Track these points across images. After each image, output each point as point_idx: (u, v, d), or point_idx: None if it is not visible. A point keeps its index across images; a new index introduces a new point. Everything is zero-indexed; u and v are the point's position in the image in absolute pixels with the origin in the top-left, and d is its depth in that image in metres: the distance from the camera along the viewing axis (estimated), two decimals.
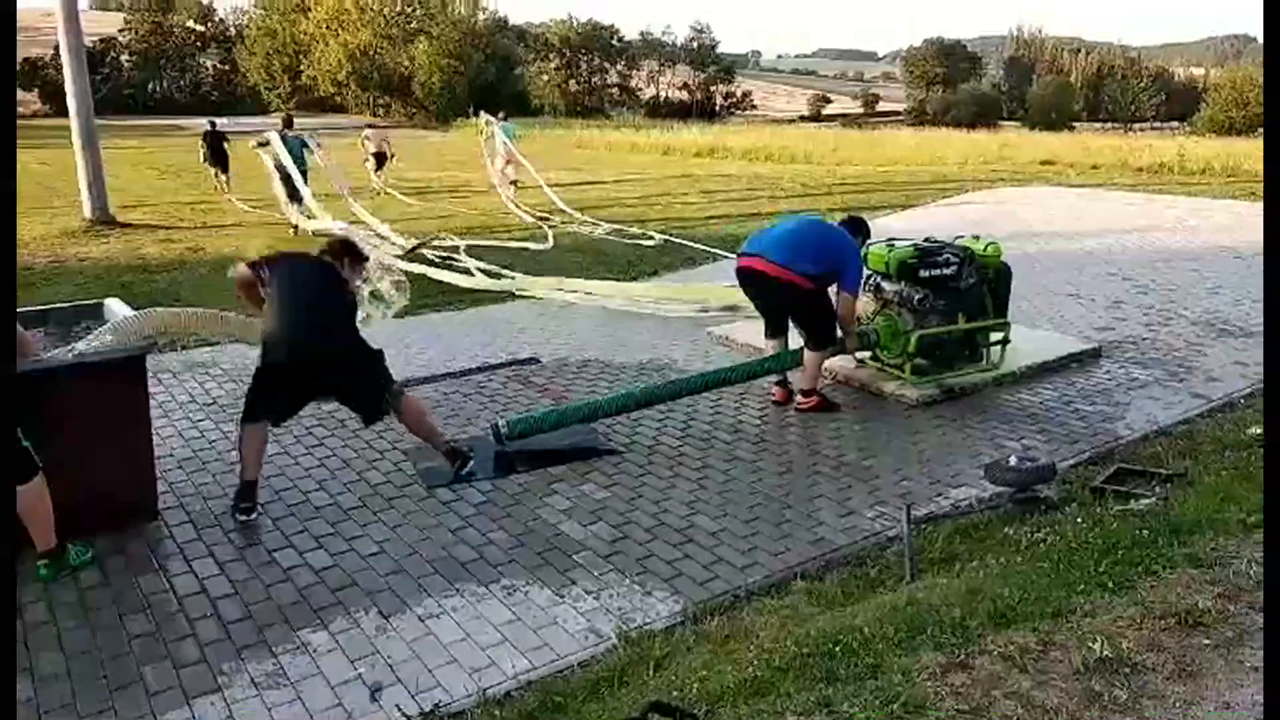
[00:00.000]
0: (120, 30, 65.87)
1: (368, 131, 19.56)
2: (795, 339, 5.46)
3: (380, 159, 17.91)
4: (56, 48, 55.48)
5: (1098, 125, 68.35)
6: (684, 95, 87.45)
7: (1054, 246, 10.78)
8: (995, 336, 5.84)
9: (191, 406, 5.45)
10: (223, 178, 16.97)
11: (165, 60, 63.54)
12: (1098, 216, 13.44)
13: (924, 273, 5.46)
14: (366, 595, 3.42)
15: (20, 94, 59.18)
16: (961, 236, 5.94)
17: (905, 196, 16.22)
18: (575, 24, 77.89)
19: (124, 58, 63.12)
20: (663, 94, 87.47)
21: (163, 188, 18.91)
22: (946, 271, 5.51)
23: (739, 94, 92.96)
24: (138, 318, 3.96)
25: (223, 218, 14.22)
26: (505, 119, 17.05)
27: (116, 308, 4.35)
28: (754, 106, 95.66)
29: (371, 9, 56.66)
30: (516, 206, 14.53)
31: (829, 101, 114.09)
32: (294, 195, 12.33)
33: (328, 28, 56.23)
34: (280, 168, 12.37)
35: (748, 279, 5.36)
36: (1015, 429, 5.08)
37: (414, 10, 58.73)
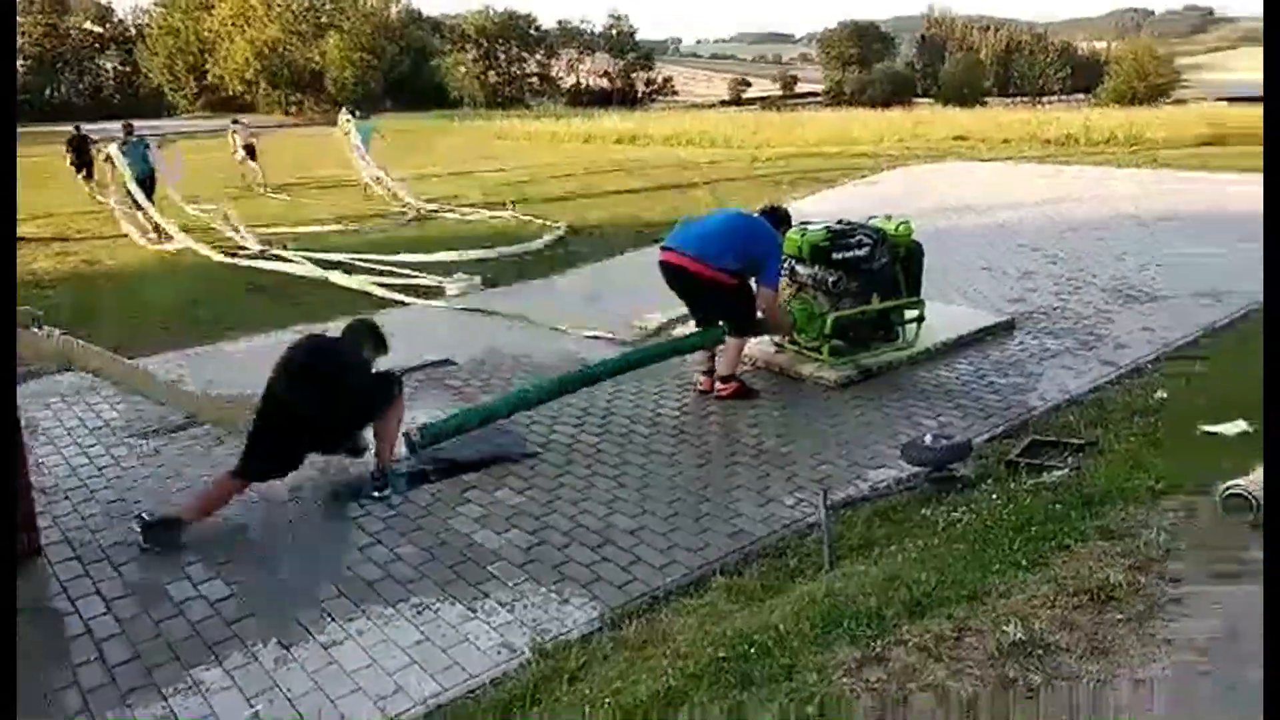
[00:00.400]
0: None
1: (234, 127, 19.53)
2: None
3: (250, 151, 18.38)
4: None
5: (1008, 100, 70.10)
6: (605, 83, 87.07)
7: (966, 221, 10.94)
8: (910, 315, 5.86)
9: (80, 431, 5.13)
10: (91, 184, 16.08)
11: (62, 64, 60.74)
12: (1008, 190, 13.72)
13: (837, 255, 5.44)
14: (266, 625, 3.23)
15: None
16: (874, 217, 5.94)
17: (821, 178, 16.33)
18: (491, 14, 76.83)
19: (18, 62, 60.12)
20: (583, 82, 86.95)
21: (56, 198, 18.01)
22: (859, 253, 5.49)
23: (660, 80, 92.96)
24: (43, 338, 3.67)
25: (118, 227, 13.57)
26: (365, 118, 18.37)
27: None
28: (675, 92, 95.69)
29: (278, 4, 54.94)
30: (395, 197, 14.95)
31: (748, 85, 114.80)
32: (138, 203, 12.52)
33: (233, 24, 54.33)
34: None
35: (669, 272, 5.26)
36: (932, 406, 5.10)
37: (323, 4, 57.13)
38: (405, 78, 58.76)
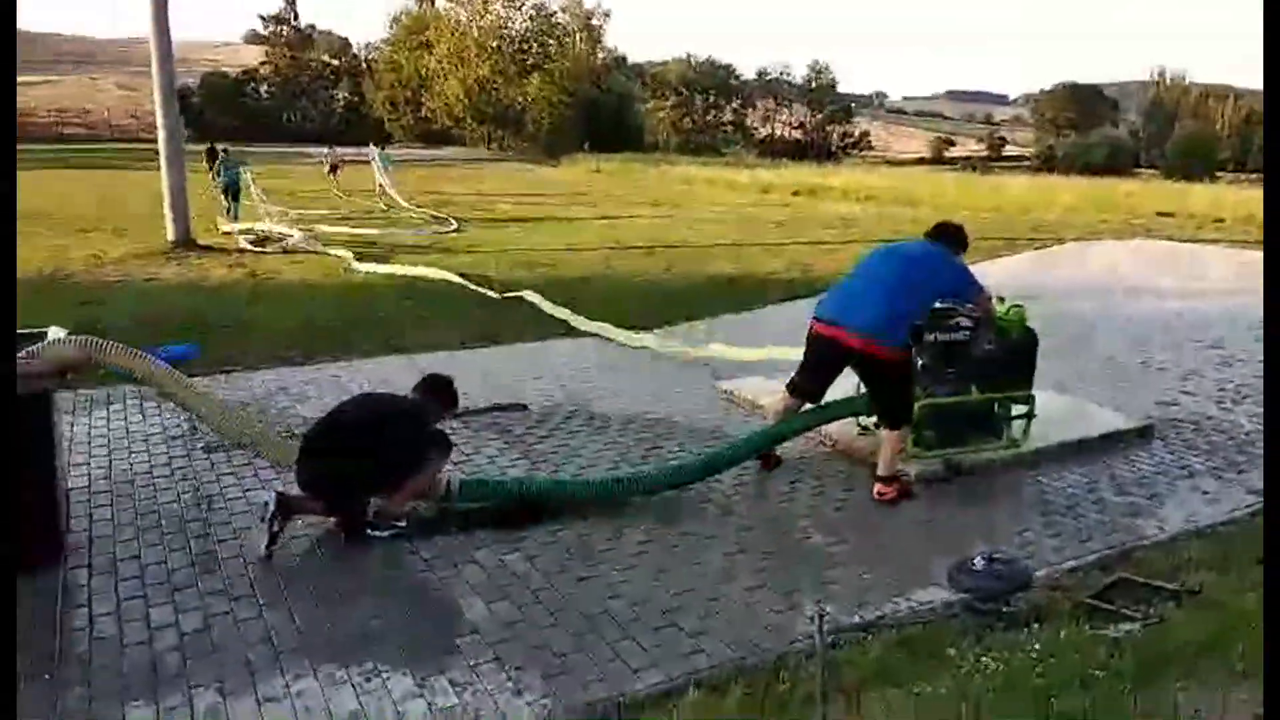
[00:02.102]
0: (261, 63, 70.15)
1: (325, 151, 27.89)
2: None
3: (334, 169, 25.83)
4: (202, 78, 59.33)
5: (1244, 177, 64.02)
6: (799, 134, 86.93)
7: (1138, 307, 9.86)
8: (1018, 410, 5.21)
9: (114, 437, 5.35)
10: (229, 204, 17.80)
11: (301, 92, 67.17)
12: (1202, 275, 12.31)
13: (930, 336, 4.90)
14: (220, 667, 3.13)
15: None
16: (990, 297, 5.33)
17: (993, 245, 15.31)
18: (693, 62, 78.62)
19: (263, 88, 67.14)
20: (778, 133, 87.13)
21: (257, 211, 19.64)
22: (957, 336, 4.93)
23: (856, 134, 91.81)
24: (62, 345, 3.84)
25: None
26: (383, 149, 25.57)
27: (53, 334, 4.26)
28: (871, 147, 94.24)
29: (490, 46, 58.44)
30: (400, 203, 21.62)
31: (952, 144, 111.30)
32: (228, 209, 17.44)
33: (449, 63, 58.27)
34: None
35: (822, 345, 4.70)
36: (1021, 519, 4.45)
37: (531, 47, 60.28)
38: (604, 120, 60.82)
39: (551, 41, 60.24)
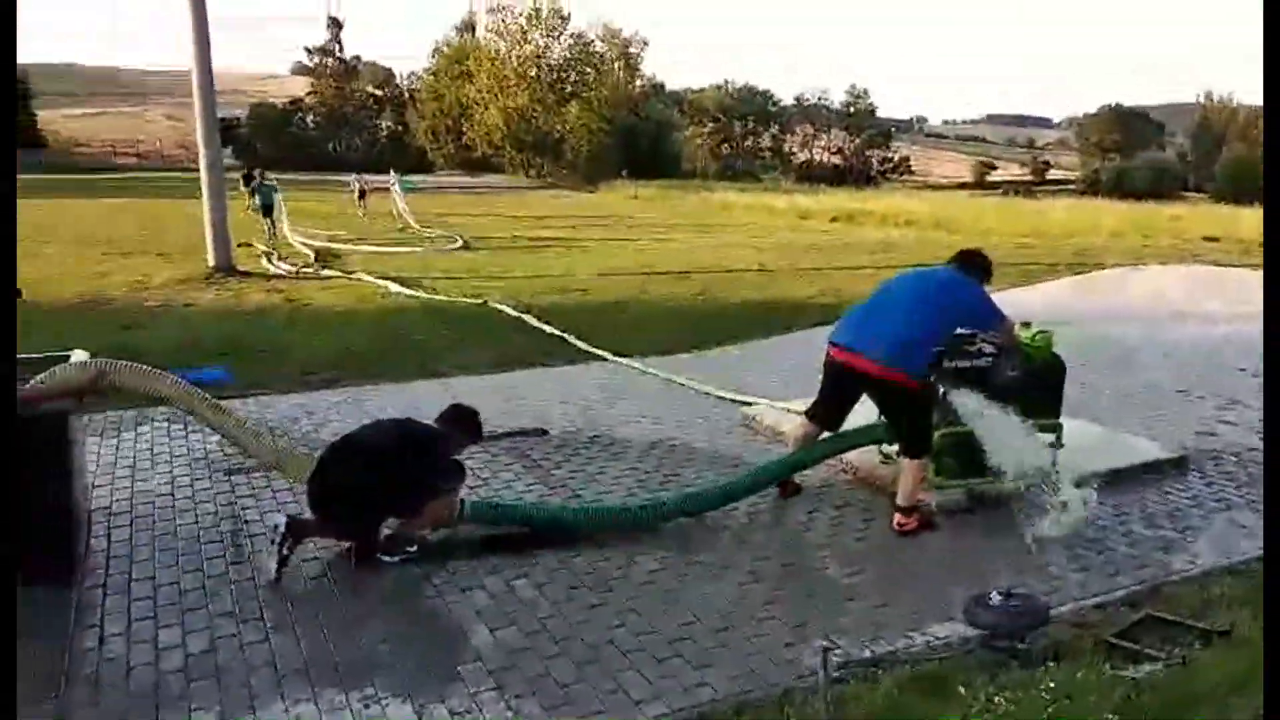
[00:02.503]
0: (307, 93, 71.84)
1: (354, 178, 29.57)
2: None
3: (362, 194, 27.54)
4: (250, 109, 60.80)
5: None
6: (838, 160, 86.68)
7: (1178, 333, 9.62)
8: (1044, 439, 5.06)
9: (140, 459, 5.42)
10: (265, 222, 19.42)
11: (345, 121, 68.61)
12: (1246, 300, 11.95)
13: (950, 363, 4.79)
14: (222, 690, 3.13)
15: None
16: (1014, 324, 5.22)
17: (1032, 270, 15.07)
18: (730, 89, 79.00)
19: (309, 118, 68.72)
20: (816, 158, 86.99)
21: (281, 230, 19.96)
22: (979, 363, 4.82)
23: (895, 159, 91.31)
24: (73, 368, 3.90)
25: (340, 264, 14.78)
26: (402, 175, 29.40)
27: (76, 357, 4.33)
28: (911, 172, 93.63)
29: (529, 75, 59.26)
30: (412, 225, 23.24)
31: (994, 168, 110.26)
32: (267, 229, 19.03)
33: (489, 93, 59.15)
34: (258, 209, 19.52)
35: (838, 372, 4.63)
36: (1046, 552, 4.32)
37: (569, 76, 61.00)
38: (642, 147, 61.25)
39: (589, 70, 60.92)
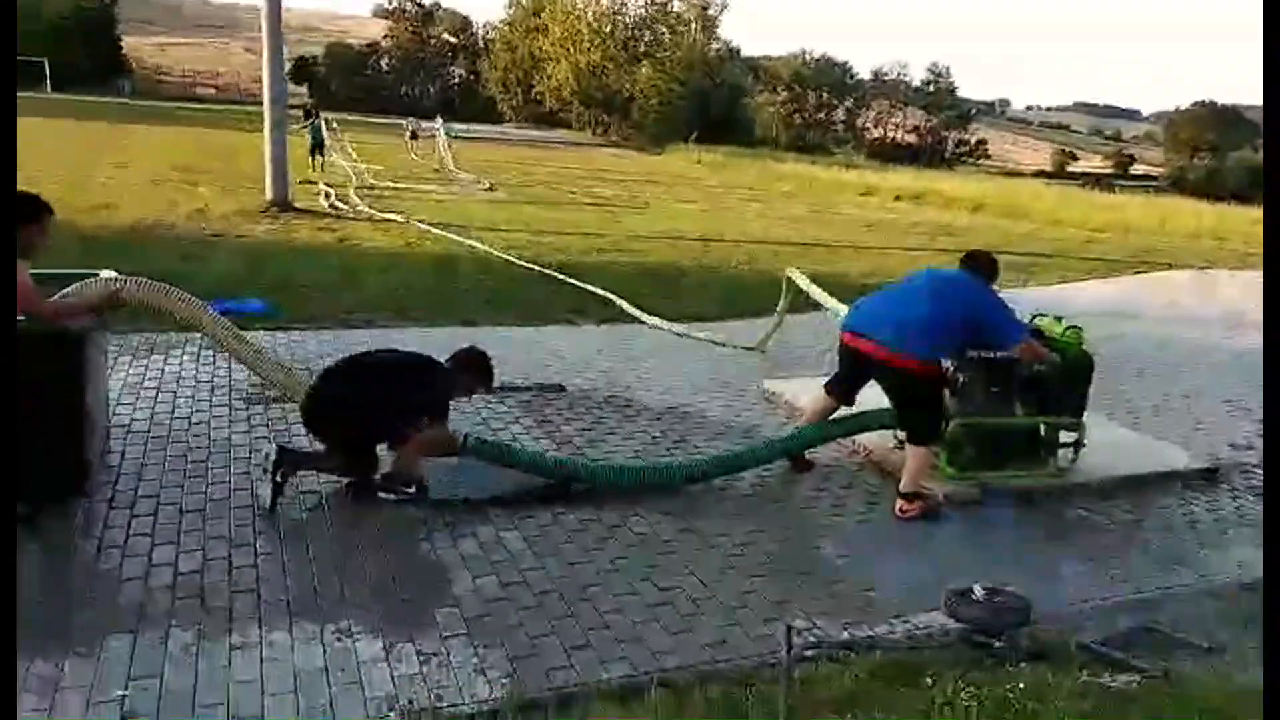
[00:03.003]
0: (384, 36, 72.24)
1: (407, 120, 33.05)
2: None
3: (414, 136, 30.67)
4: (327, 48, 61.08)
5: None
6: (913, 139, 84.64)
7: (1234, 342, 9.23)
8: (1066, 436, 4.93)
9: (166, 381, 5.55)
10: (318, 159, 20.56)
11: (420, 67, 68.90)
12: None
13: (974, 352, 4.66)
14: (202, 610, 3.21)
15: (291, 87, 66.15)
16: (1041, 315, 5.07)
17: (1093, 266, 14.59)
18: (807, 58, 77.35)
19: (384, 62, 69.23)
20: (890, 135, 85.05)
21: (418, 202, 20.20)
22: (1002, 353, 4.68)
23: (973, 141, 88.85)
24: (94, 285, 3.99)
25: (391, 203, 14.91)
26: (447, 121, 31.01)
27: (105, 276, 4.43)
28: (988, 156, 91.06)
29: (603, 32, 58.70)
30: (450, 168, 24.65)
31: (1075, 158, 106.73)
32: (314, 155, 20.35)
33: (561, 47, 58.78)
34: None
35: (851, 358, 4.59)
36: (1052, 552, 4.21)
37: (643, 35, 60.29)
38: (714, 112, 60.40)
39: (664, 30, 60.10)
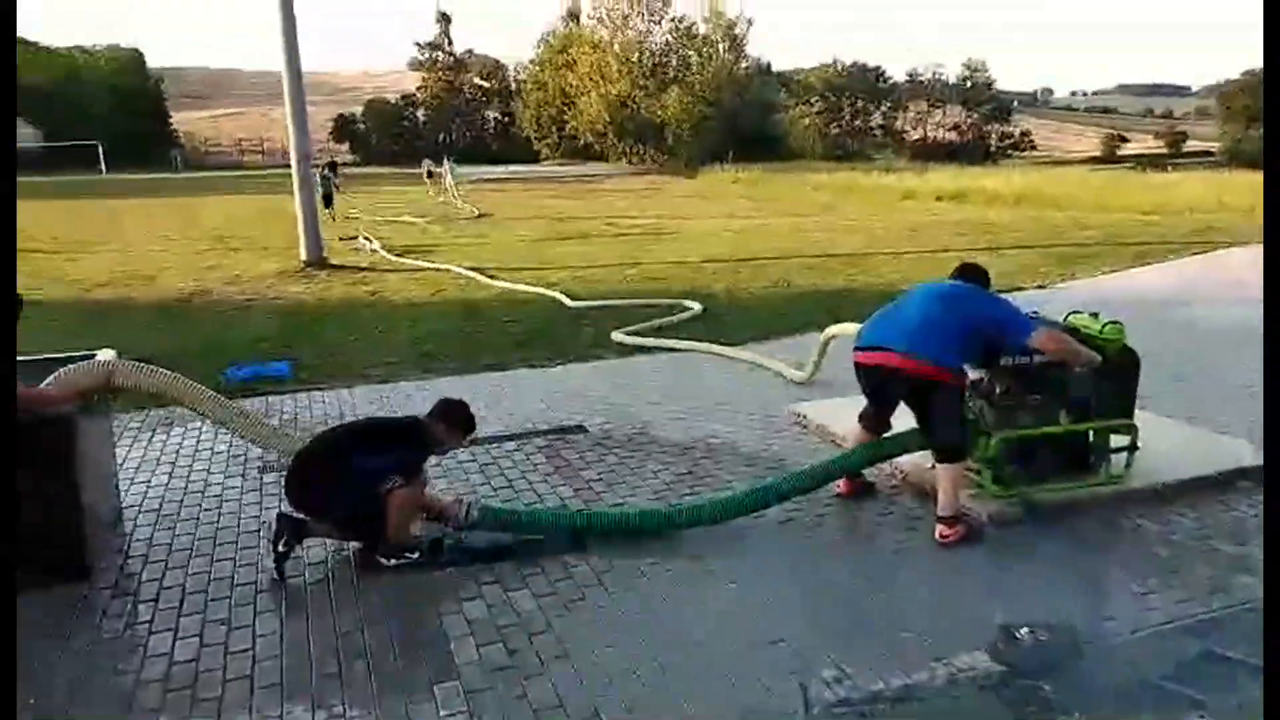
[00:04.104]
0: (418, 88, 73.84)
1: (425, 162, 36.60)
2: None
3: (429, 174, 34.15)
4: (366, 104, 62.74)
5: None
6: (954, 136, 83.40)
7: None
8: (1117, 441, 4.57)
9: (184, 456, 5.49)
10: (328, 212, 21.33)
11: (455, 114, 70.20)
12: None
13: (1007, 359, 4.36)
14: (193, 702, 3.06)
15: (332, 144, 68.04)
16: (1077, 312, 4.73)
17: (1136, 252, 13.97)
18: (839, 67, 76.90)
19: (419, 112, 70.71)
20: (931, 135, 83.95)
21: (399, 229, 20.42)
22: (1040, 358, 4.36)
23: (1016, 134, 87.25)
24: (79, 370, 3.93)
25: (427, 256, 14.99)
26: (454, 161, 34.99)
27: (102, 358, 4.37)
28: (1034, 147, 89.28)
29: (631, 61, 59.11)
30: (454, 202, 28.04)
31: (1125, 141, 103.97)
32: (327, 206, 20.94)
33: (590, 80, 59.32)
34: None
35: (871, 376, 4.36)
36: (1107, 572, 3.87)
37: (669, 61, 60.57)
38: (747, 129, 60.31)
39: (691, 54, 60.36)
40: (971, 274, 4.54)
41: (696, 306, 9.92)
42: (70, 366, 3.92)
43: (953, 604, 3.63)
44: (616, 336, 8.43)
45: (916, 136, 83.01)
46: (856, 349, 4.35)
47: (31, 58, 62.89)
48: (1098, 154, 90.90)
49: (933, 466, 4.68)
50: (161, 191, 36.14)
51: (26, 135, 54.32)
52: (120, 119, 58.94)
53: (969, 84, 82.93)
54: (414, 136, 67.07)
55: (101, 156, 52.73)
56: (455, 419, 4.12)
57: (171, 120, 69.06)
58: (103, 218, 24.58)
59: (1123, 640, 3.24)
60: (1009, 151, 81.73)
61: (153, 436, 5.84)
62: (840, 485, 4.67)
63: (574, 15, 66.17)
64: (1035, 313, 4.58)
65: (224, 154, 71.57)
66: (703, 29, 61.52)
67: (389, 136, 67.50)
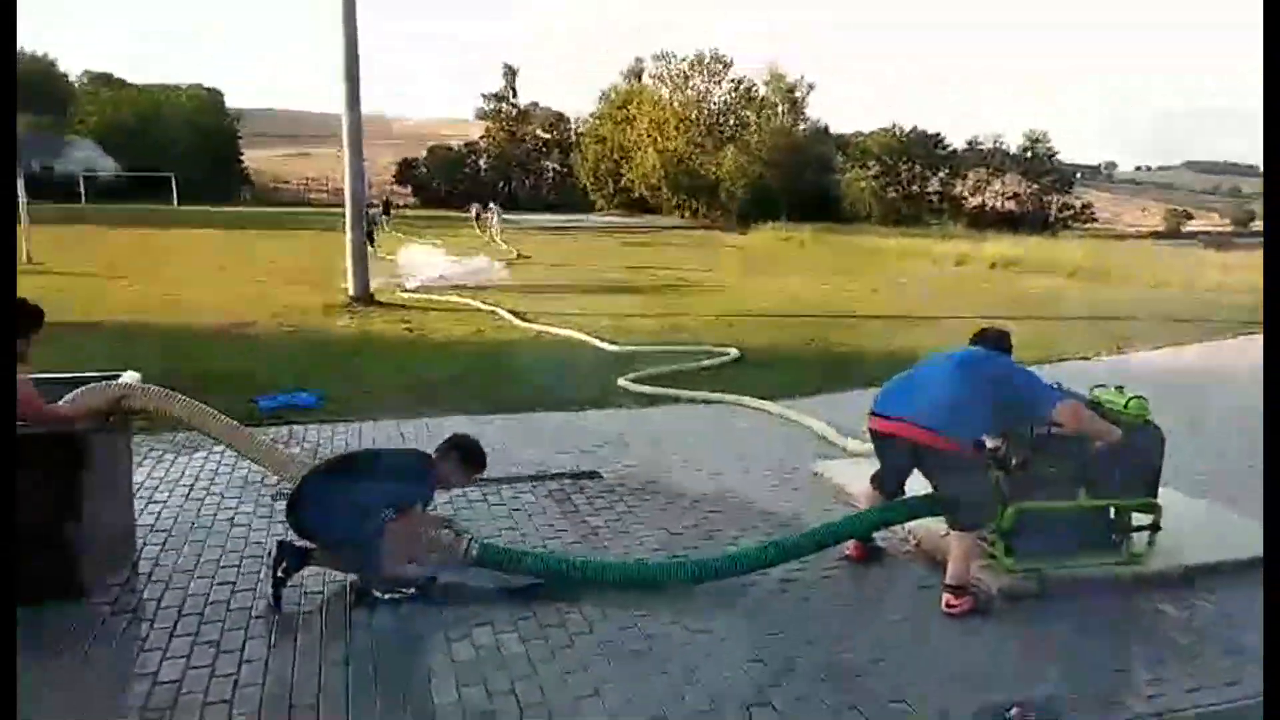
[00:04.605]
0: (480, 137, 75.77)
1: (475, 205, 39.81)
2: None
3: (477, 216, 37.24)
4: (430, 149, 64.49)
5: None
6: (1013, 205, 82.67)
7: None
8: (1140, 520, 4.41)
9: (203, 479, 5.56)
10: (370, 249, 21.57)
11: (516, 163, 71.81)
12: None
13: (1024, 429, 4.25)
14: None
15: (394, 188, 69.92)
16: (1102, 386, 4.61)
17: (1201, 328, 13.61)
18: (898, 132, 77.02)
19: (481, 160, 72.51)
20: (989, 203, 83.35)
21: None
22: (1055, 429, 4.24)
23: (1078, 205, 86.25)
24: (94, 390, 4.02)
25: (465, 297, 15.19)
26: (500, 206, 37.42)
27: (126, 379, 4.48)
28: (1094, 219, 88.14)
29: (689, 120, 60.00)
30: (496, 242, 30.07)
31: (1190, 217, 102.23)
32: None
33: (648, 136, 60.28)
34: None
35: (886, 444, 4.28)
36: (1120, 654, 3.71)
37: (728, 120, 61.34)
38: (803, 190, 60.52)
39: (749, 114, 61.11)
40: (993, 340, 4.47)
41: (733, 352, 9.98)
42: (87, 386, 4.01)
43: (951, 677, 3.50)
44: (622, 382, 8.46)
45: (975, 204, 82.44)
46: (874, 414, 4.27)
47: (119, 94, 66.08)
48: (1160, 229, 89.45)
49: (947, 534, 4.57)
50: (226, 224, 37.30)
51: (106, 166, 56.72)
52: (196, 155, 61.31)
53: (1030, 154, 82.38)
54: (477, 183, 68.63)
55: (174, 189, 54.73)
56: (464, 455, 4.14)
57: (243, 158, 71.60)
58: (165, 246, 25.43)
59: None
60: (1069, 222, 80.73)
61: (176, 458, 5.94)
62: (850, 548, 4.57)
63: (636, 73, 67.57)
64: (1058, 385, 4.46)
65: (291, 192, 73.88)
66: (762, 90, 62.32)
67: (450, 181, 69.08)
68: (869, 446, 4.61)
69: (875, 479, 4.55)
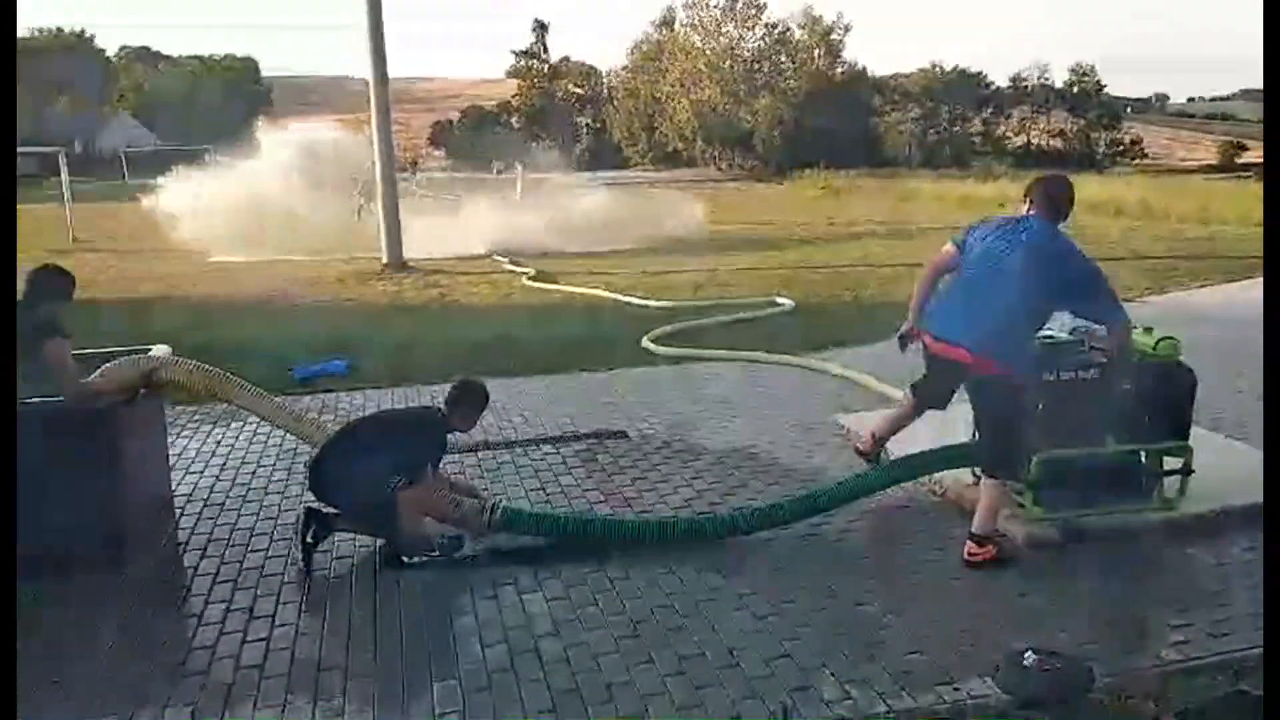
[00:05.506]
0: (513, 95, 75.37)
1: (497, 164, 38.95)
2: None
3: (499, 172, 35.53)
4: (465, 111, 64.00)
5: None
6: (1059, 143, 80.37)
7: None
8: (1170, 463, 4.32)
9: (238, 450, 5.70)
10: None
11: (549, 120, 71.33)
12: None
13: (1050, 374, 4.17)
14: (202, 689, 3.15)
15: (431, 149, 69.94)
16: (1134, 328, 4.49)
17: (1241, 266, 13.19)
18: (938, 72, 75.02)
19: (513, 120, 72.24)
20: (1034, 142, 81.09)
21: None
22: (1086, 375, 4.16)
23: (1126, 140, 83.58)
24: (125, 364, 4.12)
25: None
26: (524, 164, 33.24)
27: (156, 352, 4.58)
28: (1145, 155, 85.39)
29: (722, 67, 58.89)
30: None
31: (1244, 149, 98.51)
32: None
33: (680, 86, 59.35)
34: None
35: (941, 365, 4.17)
36: (1145, 601, 3.67)
37: (762, 66, 60.11)
38: (841, 136, 59.37)
39: (784, 60, 59.84)
40: (1048, 199, 4.09)
41: (788, 303, 10.17)
42: (117, 361, 4.11)
43: (973, 627, 3.49)
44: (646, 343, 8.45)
45: (1019, 143, 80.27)
46: (929, 332, 4.16)
47: (157, 70, 66.72)
48: (1213, 162, 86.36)
49: (976, 481, 4.53)
50: None
51: (146, 140, 57.54)
52: (231, 124, 61.90)
53: (1075, 89, 79.82)
54: (509, 142, 68.46)
55: (211, 160, 55.42)
56: (469, 399, 4.18)
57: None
58: None
59: (1141, 674, 3.06)
60: (1117, 159, 78.34)
61: (213, 430, 6.08)
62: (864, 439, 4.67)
63: (668, 22, 66.42)
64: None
65: None
66: (798, 34, 60.90)
67: (484, 141, 68.99)
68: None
69: (916, 387, 4.51)
